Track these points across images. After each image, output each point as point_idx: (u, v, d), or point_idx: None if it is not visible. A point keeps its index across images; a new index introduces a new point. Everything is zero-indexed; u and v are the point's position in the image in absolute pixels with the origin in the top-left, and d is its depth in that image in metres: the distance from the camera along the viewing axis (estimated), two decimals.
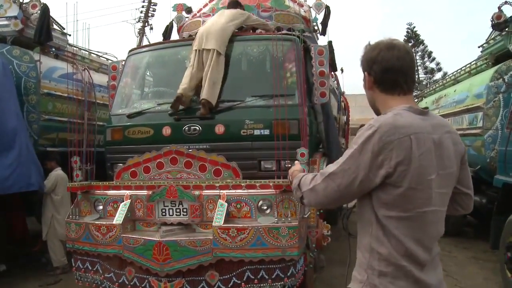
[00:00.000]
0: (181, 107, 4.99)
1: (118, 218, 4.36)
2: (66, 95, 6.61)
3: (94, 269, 4.56)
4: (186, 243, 4.01)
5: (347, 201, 1.96)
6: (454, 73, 9.95)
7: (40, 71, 6.56)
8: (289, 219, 4.02)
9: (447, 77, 11.09)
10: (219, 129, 4.79)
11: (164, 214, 4.41)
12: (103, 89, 7.72)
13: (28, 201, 6.68)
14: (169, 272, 4.03)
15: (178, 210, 4.37)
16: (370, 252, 1.82)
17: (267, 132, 4.68)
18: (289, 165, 4.54)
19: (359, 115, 17.76)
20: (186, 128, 4.86)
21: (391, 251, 1.76)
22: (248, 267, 3.99)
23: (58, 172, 6.40)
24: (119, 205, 4.51)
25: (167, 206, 4.40)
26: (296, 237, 3.91)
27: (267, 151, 4.58)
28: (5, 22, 6.76)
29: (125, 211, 4.39)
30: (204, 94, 4.84)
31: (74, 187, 4.72)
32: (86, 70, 7.65)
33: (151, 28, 20.05)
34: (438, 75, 23.87)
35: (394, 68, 1.85)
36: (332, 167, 1.86)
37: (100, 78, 7.92)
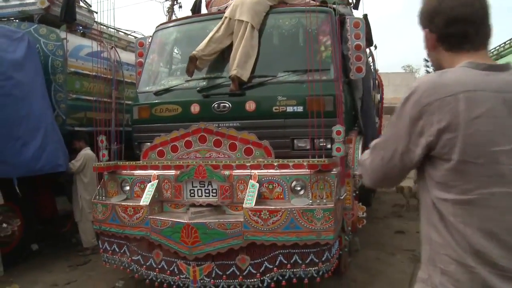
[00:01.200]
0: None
1: (145, 199, 4.19)
2: (93, 73, 6.48)
3: (122, 251, 4.43)
4: (216, 226, 3.81)
5: (396, 178, 1.61)
6: None
7: (67, 50, 6.42)
8: (325, 200, 3.77)
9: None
10: (250, 106, 4.54)
11: (192, 195, 4.23)
12: (131, 67, 7.55)
13: (55, 182, 6.62)
14: (198, 255, 3.86)
15: (207, 191, 4.18)
16: (429, 244, 1.51)
17: (300, 109, 4.41)
18: (324, 144, 4.34)
19: (392, 94, 17.17)
20: (216, 105, 4.63)
21: (452, 244, 1.41)
22: (281, 251, 3.78)
23: (87, 151, 6.30)
24: (146, 185, 4.35)
25: (196, 186, 4.21)
26: (332, 220, 3.66)
27: (300, 129, 4.32)
28: (32, 1, 6.62)
29: (152, 192, 4.22)
30: (234, 69, 4.59)
31: (100, 167, 4.58)
32: (113, 48, 7.51)
33: (180, 6, 19.82)
34: None
35: (462, 17, 1.47)
36: (378, 139, 1.61)
37: (127, 57, 7.74)
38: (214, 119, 4.57)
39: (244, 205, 3.81)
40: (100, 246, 4.64)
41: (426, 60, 25.27)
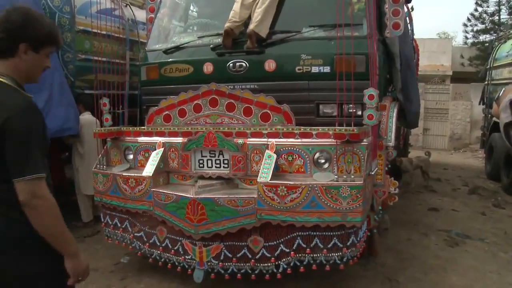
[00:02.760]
0: None
1: (149, 169, 3.72)
2: (104, 32, 5.97)
3: (123, 226, 4.01)
4: (225, 202, 3.32)
5: None
6: None
7: (75, 6, 5.91)
8: (352, 176, 3.21)
9: None
10: (270, 65, 3.96)
11: (201, 166, 3.73)
12: (148, 27, 7.03)
13: (63, 147, 6.22)
14: (205, 235, 3.39)
15: (218, 162, 3.67)
16: None
17: (327, 69, 3.81)
18: (354, 110, 3.76)
19: (427, 61, 16.26)
20: (231, 64, 4.07)
21: None
22: (299, 233, 3.27)
23: (85, 116, 5.75)
24: (151, 154, 3.87)
25: (205, 156, 3.71)
26: (360, 199, 3.12)
27: (327, 93, 3.74)
28: None
29: (157, 162, 3.74)
30: (252, 24, 4.01)
31: (101, 132, 4.12)
32: (128, 6, 6.98)
33: None
34: None
35: None
36: None
37: (144, 15, 7.20)
38: (229, 80, 4.03)
39: (258, 179, 3.30)
40: (102, 220, 4.23)
41: (465, 25, 23.91)
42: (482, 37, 23.94)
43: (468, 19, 24.18)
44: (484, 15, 23.74)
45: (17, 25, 1.82)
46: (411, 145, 11.76)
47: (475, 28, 24.16)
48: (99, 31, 5.63)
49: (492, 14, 23.63)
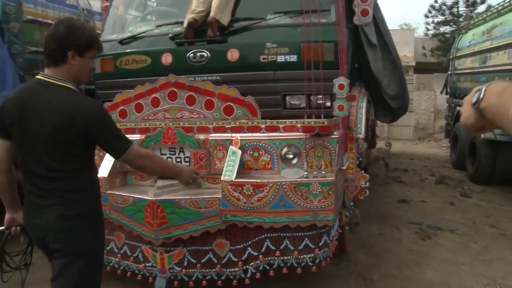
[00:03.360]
0: None
1: (104, 169, 3.41)
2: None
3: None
4: (187, 204, 3.06)
5: None
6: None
7: None
8: (323, 172, 3.01)
9: (492, 9, 9.54)
10: (233, 55, 3.69)
11: None
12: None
13: None
14: (166, 240, 3.12)
15: (178, 159, 3.41)
16: None
17: (294, 58, 3.58)
18: (323, 101, 3.55)
19: None
20: (191, 54, 3.78)
21: None
22: (268, 235, 3.06)
23: None
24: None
25: (165, 154, 3.44)
26: (332, 196, 2.92)
27: (294, 83, 3.51)
28: None
29: (113, 161, 3.43)
30: (213, 11, 3.74)
31: None
32: None
33: None
34: (481, 8, 21.79)
35: None
36: None
37: (100, 5, 6.83)
38: (190, 71, 3.73)
39: (222, 178, 3.05)
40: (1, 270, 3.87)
41: (427, 16, 24.24)
42: (442, 29, 24.35)
43: (429, 11, 24.57)
44: (444, 7, 24.16)
45: (63, 36, 2.11)
46: (378, 136, 11.72)
47: (435, 20, 24.56)
48: (50, 22, 5.27)
49: (451, 7, 24.08)
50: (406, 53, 18.97)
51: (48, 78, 2.14)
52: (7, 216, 2.31)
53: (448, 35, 16.79)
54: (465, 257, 4.32)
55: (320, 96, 3.39)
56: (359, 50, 4.64)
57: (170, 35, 3.90)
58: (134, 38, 4.12)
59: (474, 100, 1.03)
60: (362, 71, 4.82)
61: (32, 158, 2.12)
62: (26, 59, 5.54)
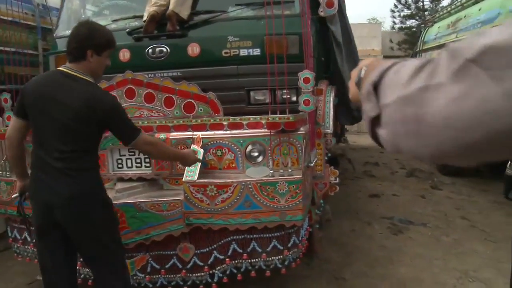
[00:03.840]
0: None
1: None
2: (9, 18, 5.28)
3: (34, 240, 3.46)
4: (148, 207, 2.89)
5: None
6: None
7: None
8: (290, 170, 2.87)
9: (456, 2, 9.64)
10: (193, 49, 3.54)
11: (120, 166, 3.28)
12: None
13: None
14: (127, 245, 2.93)
15: (138, 160, 3.24)
16: None
17: (257, 51, 3.45)
18: (288, 96, 3.43)
19: (359, 46, 16.28)
20: (150, 50, 3.61)
21: None
22: (234, 237, 2.91)
23: None
24: None
25: (124, 155, 3.26)
26: (300, 195, 2.79)
27: (258, 78, 3.39)
28: None
29: None
30: (172, 4, 3.56)
31: (1, 133, 3.53)
32: None
33: None
34: (444, 2, 22.14)
35: None
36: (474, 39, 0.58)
37: (58, 1, 6.53)
38: (149, 68, 3.58)
39: (184, 179, 2.89)
40: (9, 235, 3.66)
41: (393, 11, 24.51)
42: (408, 22, 24.68)
43: (395, 5, 24.88)
44: (409, 1, 24.48)
45: (84, 36, 2.43)
46: (347, 130, 11.71)
47: (402, 14, 24.86)
48: (2, 17, 4.99)
49: (416, 1, 24.43)
50: (374, 46, 19.10)
51: (71, 71, 2.44)
52: (18, 184, 2.71)
53: (414, 29, 17.00)
54: (437, 251, 4.27)
55: (285, 91, 3.27)
56: (325, 42, 4.53)
57: (127, 30, 3.72)
58: None
59: (356, 80, 0.94)
60: (328, 64, 4.70)
61: (50, 139, 2.37)
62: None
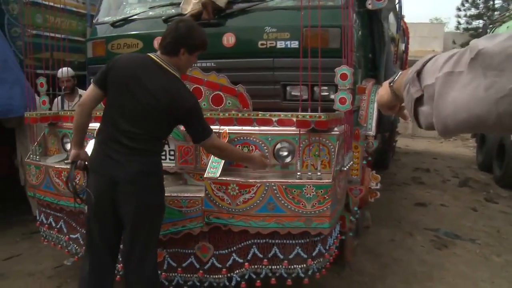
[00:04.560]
0: None
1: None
2: (61, 6, 5.32)
3: (58, 226, 3.43)
4: (167, 202, 2.74)
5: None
6: None
7: None
8: (319, 173, 2.65)
9: None
10: (229, 39, 3.38)
11: None
12: None
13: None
14: None
15: (162, 152, 3.09)
16: None
17: (295, 44, 3.24)
18: (327, 93, 3.20)
19: (418, 46, 15.62)
20: None
21: None
22: (255, 240, 2.72)
23: None
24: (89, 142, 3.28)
25: None
26: (328, 201, 2.56)
27: (295, 72, 3.16)
28: None
29: None
30: None
31: (32, 117, 3.52)
32: None
33: None
34: None
35: None
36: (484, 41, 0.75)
37: None
38: None
39: (205, 175, 2.73)
40: (37, 218, 3.65)
41: (459, 10, 23.34)
42: (475, 23, 23.47)
43: (462, 4, 23.69)
44: (478, 0, 23.26)
45: (182, 35, 2.45)
46: (400, 133, 11.24)
47: (468, 13, 23.66)
48: (52, 4, 5.01)
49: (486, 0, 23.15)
50: (434, 47, 18.25)
51: (162, 63, 2.47)
52: (73, 152, 2.67)
53: (480, 30, 16.10)
54: (485, 272, 3.88)
55: (324, 88, 3.05)
56: (374, 39, 4.24)
57: (163, 17, 3.61)
58: (126, 20, 3.85)
59: (390, 80, 1.13)
60: (377, 62, 4.40)
61: (126, 119, 2.41)
62: (26, 43, 5.30)
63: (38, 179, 3.43)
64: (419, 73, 0.89)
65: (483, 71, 0.70)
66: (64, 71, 4.44)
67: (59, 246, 3.49)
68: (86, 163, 2.67)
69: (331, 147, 2.73)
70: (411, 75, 0.91)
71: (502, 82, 0.67)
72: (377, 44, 4.30)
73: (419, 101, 0.88)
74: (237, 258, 2.76)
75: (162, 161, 3.05)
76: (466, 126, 0.76)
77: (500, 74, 0.67)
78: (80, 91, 4.89)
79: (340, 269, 3.70)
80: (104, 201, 2.47)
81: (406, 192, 6.82)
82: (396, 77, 1.09)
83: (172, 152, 3.05)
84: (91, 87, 2.54)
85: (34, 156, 3.55)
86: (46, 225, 3.53)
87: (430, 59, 0.89)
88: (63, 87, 4.56)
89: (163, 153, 3.09)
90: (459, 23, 24.75)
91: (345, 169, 2.96)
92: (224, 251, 2.79)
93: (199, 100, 3.02)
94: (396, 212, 5.65)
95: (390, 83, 1.12)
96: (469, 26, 23.55)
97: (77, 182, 2.91)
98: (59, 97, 4.35)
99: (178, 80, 2.51)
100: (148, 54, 2.53)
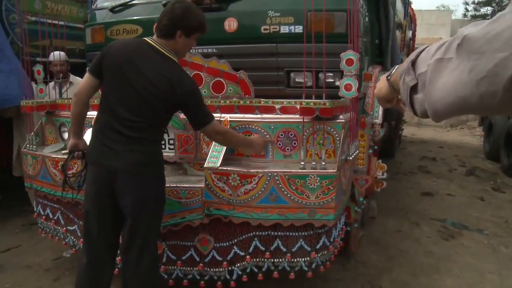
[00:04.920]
0: None
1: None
2: None
3: (55, 218, 3.35)
4: (166, 193, 2.65)
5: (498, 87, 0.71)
6: None
7: None
8: (324, 163, 2.54)
9: None
10: (230, 24, 3.26)
11: None
12: None
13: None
14: None
15: (162, 141, 2.99)
16: None
17: (299, 29, 3.12)
18: (332, 80, 3.09)
19: (425, 34, 15.41)
20: None
21: None
22: (256, 233, 2.63)
23: None
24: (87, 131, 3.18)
25: None
26: (333, 191, 2.46)
27: (299, 58, 3.04)
28: None
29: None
30: None
31: (28, 106, 3.42)
32: None
33: None
34: None
35: None
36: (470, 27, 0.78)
37: None
38: None
39: (205, 165, 2.64)
40: (35, 209, 3.58)
41: None
42: (483, 10, 23.14)
43: None
44: None
45: (178, 16, 2.34)
46: (406, 122, 11.10)
47: (476, 0, 23.32)
48: None
49: None
50: (442, 35, 18.02)
51: (158, 46, 2.36)
52: (71, 142, 2.64)
53: (488, 17, 15.87)
54: (493, 264, 3.78)
55: (329, 74, 2.94)
56: (380, 24, 4.11)
57: (163, 2, 3.48)
58: (125, 5, 3.74)
59: (387, 73, 1.19)
60: (384, 48, 4.27)
61: (123, 106, 2.31)
62: (25, 30, 5.19)
63: (35, 169, 3.35)
64: (413, 63, 0.93)
65: (467, 55, 0.74)
66: (57, 55, 4.30)
67: (57, 238, 3.42)
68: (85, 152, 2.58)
69: (336, 135, 2.62)
70: (406, 65, 0.96)
71: (482, 64, 0.70)
72: (384, 30, 4.18)
73: (414, 90, 0.92)
74: (238, 251, 2.67)
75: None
76: (453, 110, 0.80)
77: (480, 57, 0.71)
78: (72, 77, 4.75)
79: (345, 261, 3.60)
80: (103, 194, 2.39)
81: (413, 182, 6.71)
82: (393, 71, 1.15)
83: (171, 141, 2.95)
84: (87, 76, 2.45)
85: (31, 146, 3.46)
86: (44, 217, 3.45)
87: (424, 49, 0.92)
88: (55, 72, 4.42)
89: (163, 142, 3.01)
90: (466, 10, 24.48)
91: (350, 158, 2.85)
92: (224, 244, 2.70)
93: (199, 87, 2.93)
94: (402, 201, 5.54)
95: (387, 76, 1.18)
96: (477, 13, 23.24)
97: (75, 172, 2.82)
98: (50, 84, 4.19)
99: (175, 64, 2.40)
100: (144, 38, 2.43)
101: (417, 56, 0.93)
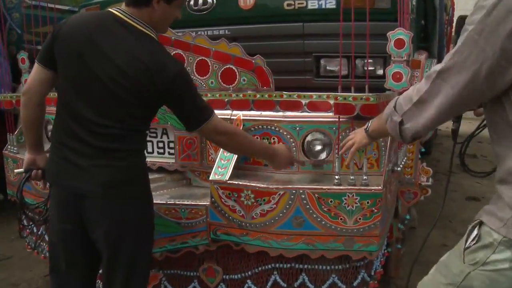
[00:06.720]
0: None
1: None
2: None
3: (39, 232, 2.85)
4: (162, 211, 2.10)
5: (463, 111, 1.33)
6: None
7: None
8: (365, 177, 1.93)
9: None
10: (246, 0, 2.67)
11: None
12: None
13: None
14: None
15: (161, 145, 2.44)
16: None
17: (332, 3, 2.52)
18: (372, 67, 2.48)
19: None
20: (192, 1, 2.79)
21: None
22: (276, 265, 2.06)
23: None
24: None
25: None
26: (378, 214, 1.87)
27: (332, 40, 2.45)
28: None
29: None
30: None
31: (7, 100, 2.92)
32: None
33: None
34: None
35: None
36: (439, 65, 1.21)
37: None
38: (190, 24, 2.77)
39: (211, 177, 2.06)
40: (20, 221, 3.08)
41: None
42: None
43: None
44: None
45: None
46: None
47: None
48: None
49: None
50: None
51: (128, 18, 1.75)
52: (27, 157, 2.03)
53: None
54: None
55: (369, 61, 2.34)
56: (426, 3, 3.49)
57: None
58: None
59: (365, 127, 1.69)
60: (430, 31, 3.64)
61: (86, 106, 1.73)
62: (23, 15, 4.76)
63: (16, 175, 2.85)
64: (394, 107, 1.37)
65: (445, 80, 1.20)
66: None
67: (42, 255, 2.92)
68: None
69: (381, 140, 2.01)
70: (389, 110, 1.41)
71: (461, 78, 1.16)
72: (430, 10, 3.54)
73: (401, 123, 1.34)
74: (252, 286, 2.10)
75: (159, 156, 2.45)
76: (434, 122, 1.28)
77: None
78: None
79: (382, 286, 3.00)
80: (67, 222, 1.82)
81: (454, 183, 6.01)
82: (369, 124, 1.67)
83: (171, 145, 2.39)
84: (35, 67, 1.86)
85: (12, 148, 2.96)
86: (28, 230, 2.96)
87: (397, 98, 1.40)
88: None
89: (161, 146, 2.45)
90: None
91: (398, 169, 2.24)
92: (236, 276, 2.14)
93: (204, 78, 2.36)
94: (445, 208, 4.87)
95: (365, 129, 1.69)
96: None
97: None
98: None
99: (153, 41, 1.79)
100: (109, 9, 1.81)
101: (395, 102, 1.39)
